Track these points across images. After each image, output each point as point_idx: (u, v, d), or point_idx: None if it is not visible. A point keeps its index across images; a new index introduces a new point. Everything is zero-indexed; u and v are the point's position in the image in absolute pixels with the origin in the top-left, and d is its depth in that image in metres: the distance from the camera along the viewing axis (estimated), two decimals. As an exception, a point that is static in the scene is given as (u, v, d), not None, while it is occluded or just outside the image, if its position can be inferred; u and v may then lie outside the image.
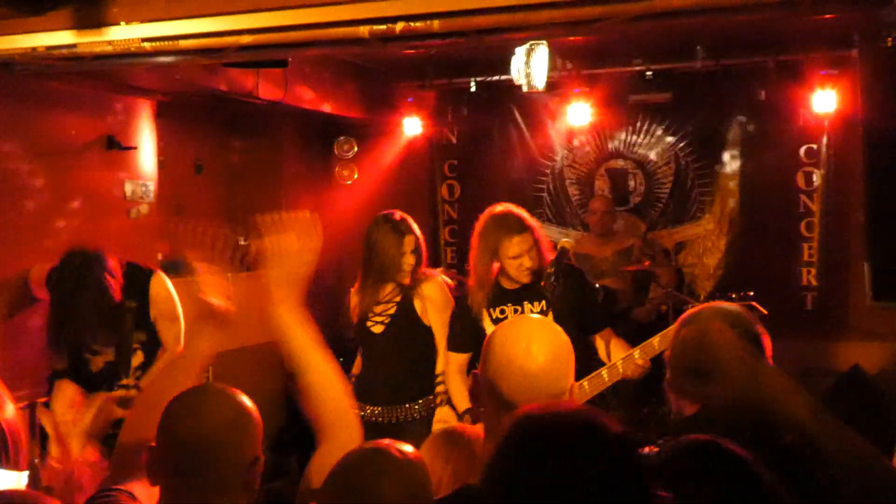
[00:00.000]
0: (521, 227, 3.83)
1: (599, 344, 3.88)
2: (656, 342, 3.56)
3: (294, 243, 2.12)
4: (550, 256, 3.81)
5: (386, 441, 1.90)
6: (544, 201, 7.20)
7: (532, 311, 3.81)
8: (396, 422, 4.14)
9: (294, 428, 6.27)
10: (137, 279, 3.95)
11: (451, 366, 4.05)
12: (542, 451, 1.33)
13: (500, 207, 3.93)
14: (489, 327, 3.82)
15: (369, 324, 4.19)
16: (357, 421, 2.19)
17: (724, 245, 6.74)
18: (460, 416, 3.91)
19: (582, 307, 3.87)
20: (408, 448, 1.87)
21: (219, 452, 1.83)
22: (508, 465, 1.35)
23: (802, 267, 6.54)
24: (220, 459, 1.83)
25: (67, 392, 3.87)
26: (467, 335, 3.91)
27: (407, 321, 4.15)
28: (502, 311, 3.90)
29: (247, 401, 1.91)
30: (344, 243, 7.16)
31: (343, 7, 3.05)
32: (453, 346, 4.05)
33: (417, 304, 4.16)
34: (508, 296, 3.90)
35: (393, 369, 4.17)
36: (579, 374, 3.55)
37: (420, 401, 4.14)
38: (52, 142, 4.69)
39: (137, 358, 4.03)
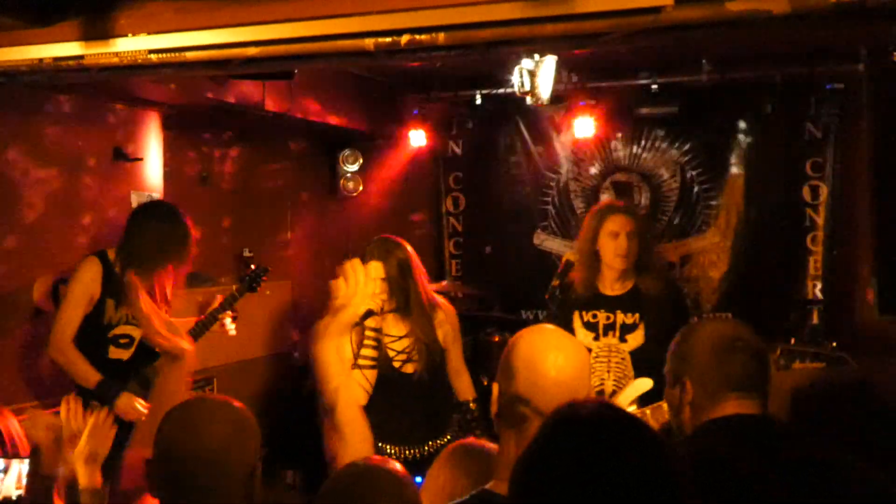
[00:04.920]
0: (627, 210, 3.90)
1: None
2: None
3: (343, 290, 2.22)
4: (657, 261, 3.79)
5: (378, 458, 1.92)
6: (549, 214, 7.20)
7: (625, 322, 3.73)
8: (405, 459, 3.87)
9: (293, 441, 6.26)
10: None
11: None
12: (580, 446, 1.27)
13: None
14: (578, 328, 3.78)
15: (396, 364, 3.86)
16: None
17: (730, 258, 6.72)
18: None
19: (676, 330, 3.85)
20: (398, 466, 1.89)
21: (214, 465, 1.82)
22: (544, 459, 1.29)
23: (808, 280, 6.52)
24: (217, 472, 1.82)
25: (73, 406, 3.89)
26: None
27: (435, 358, 3.90)
28: (594, 316, 3.82)
29: (242, 411, 1.91)
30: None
31: (349, 20, 3.05)
32: None
33: (439, 334, 3.93)
34: (603, 302, 3.80)
35: (418, 411, 3.91)
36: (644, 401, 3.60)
37: (430, 442, 3.93)
38: (59, 153, 4.70)
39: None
